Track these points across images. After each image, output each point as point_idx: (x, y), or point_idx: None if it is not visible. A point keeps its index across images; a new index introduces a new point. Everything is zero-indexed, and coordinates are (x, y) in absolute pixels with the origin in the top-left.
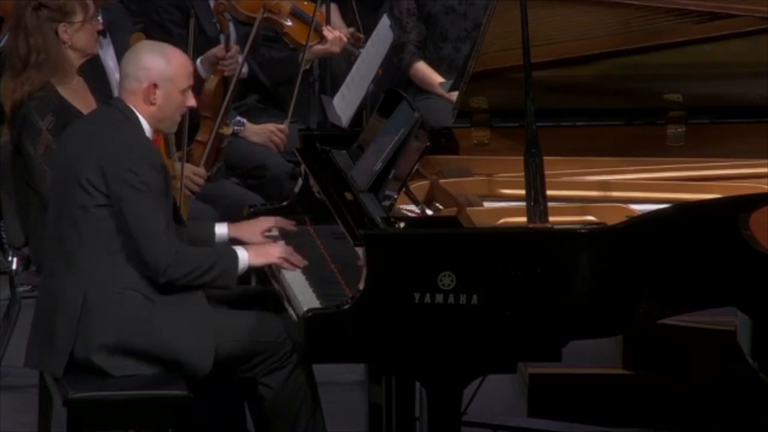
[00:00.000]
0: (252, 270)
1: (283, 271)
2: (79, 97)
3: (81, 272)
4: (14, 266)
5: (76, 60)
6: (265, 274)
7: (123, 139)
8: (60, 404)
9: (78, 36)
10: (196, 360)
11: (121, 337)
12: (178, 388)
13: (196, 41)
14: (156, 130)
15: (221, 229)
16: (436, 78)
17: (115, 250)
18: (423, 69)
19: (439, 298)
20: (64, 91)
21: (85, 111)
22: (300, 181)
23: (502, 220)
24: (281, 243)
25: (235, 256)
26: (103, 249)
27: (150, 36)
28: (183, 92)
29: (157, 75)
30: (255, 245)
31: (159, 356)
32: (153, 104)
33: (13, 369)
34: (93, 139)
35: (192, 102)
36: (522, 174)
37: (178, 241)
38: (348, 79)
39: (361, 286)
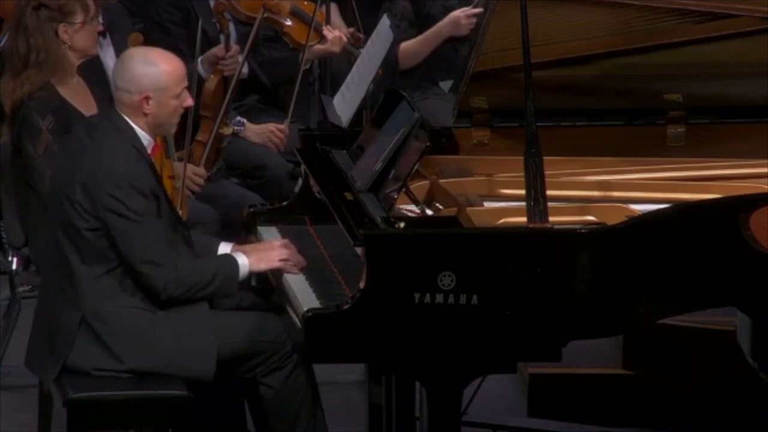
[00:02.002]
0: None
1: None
2: (79, 97)
3: (80, 287)
4: (14, 266)
5: (75, 60)
6: (265, 273)
7: (108, 164)
8: (60, 404)
9: (78, 36)
10: (198, 366)
11: (121, 355)
12: (178, 388)
13: (195, 41)
14: (155, 135)
15: (225, 249)
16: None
17: (112, 268)
18: (409, 42)
19: (439, 298)
20: (64, 91)
21: (84, 111)
22: (300, 181)
23: (502, 220)
24: (284, 242)
25: (235, 264)
26: (100, 268)
27: (150, 36)
28: (177, 96)
29: (148, 86)
30: (256, 251)
31: (161, 368)
32: (147, 114)
33: (13, 369)
34: (82, 158)
35: (189, 102)
36: (522, 174)
37: (176, 255)
38: (348, 79)
39: (361, 286)
